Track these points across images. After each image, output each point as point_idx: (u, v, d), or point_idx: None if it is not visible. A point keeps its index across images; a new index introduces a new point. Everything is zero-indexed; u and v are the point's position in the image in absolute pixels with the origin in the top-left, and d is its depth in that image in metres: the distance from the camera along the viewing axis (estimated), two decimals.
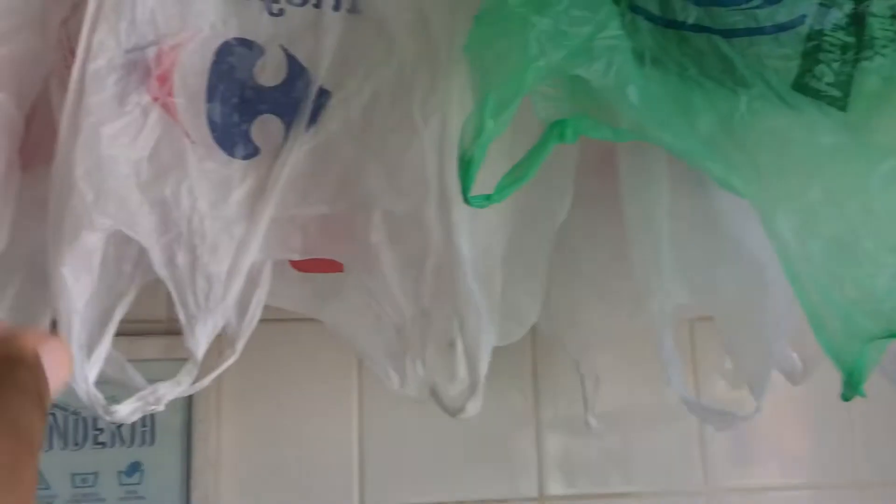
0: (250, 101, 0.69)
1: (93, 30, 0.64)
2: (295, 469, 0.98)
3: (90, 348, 0.63)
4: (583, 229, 0.86)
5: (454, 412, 0.67)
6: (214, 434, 0.95)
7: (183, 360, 0.97)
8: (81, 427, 0.91)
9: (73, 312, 0.62)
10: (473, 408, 0.66)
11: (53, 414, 0.90)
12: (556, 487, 1.08)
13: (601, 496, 1.10)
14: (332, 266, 0.77)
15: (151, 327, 0.96)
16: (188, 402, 0.94)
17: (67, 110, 0.63)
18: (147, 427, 0.92)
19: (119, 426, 0.92)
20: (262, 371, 0.99)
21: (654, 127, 0.65)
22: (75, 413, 0.91)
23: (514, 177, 0.64)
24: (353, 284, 0.78)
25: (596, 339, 0.94)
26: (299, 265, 0.77)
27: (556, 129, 0.64)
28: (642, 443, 1.11)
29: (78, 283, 0.62)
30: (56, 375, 0.25)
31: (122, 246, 0.67)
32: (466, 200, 0.62)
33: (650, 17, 0.69)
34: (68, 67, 0.66)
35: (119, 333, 0.67)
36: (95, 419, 0.91)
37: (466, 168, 0.60)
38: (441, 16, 0.71)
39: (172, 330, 0.98)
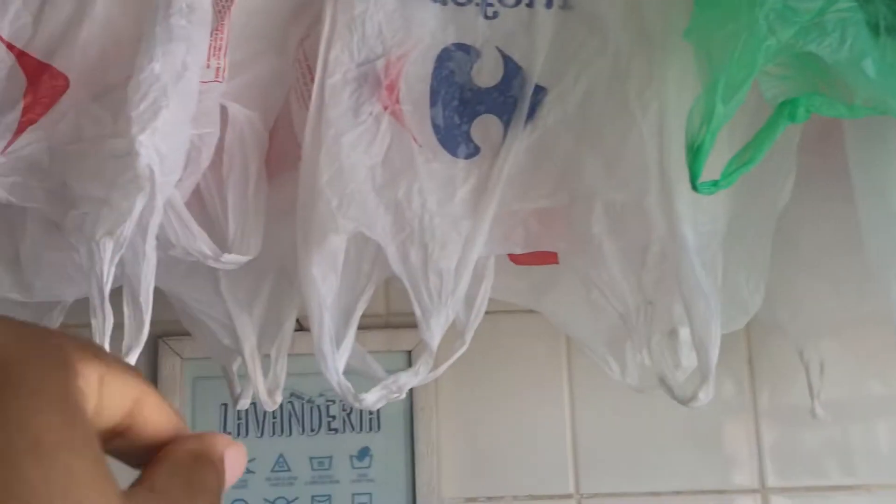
0: (470, 102, 0.72)
1: (328, 48, 0.69)
2: (511, 454, 1.01)
3: (338, 342, 0.68)
4: (804, 210, 0.82)
5: (685, 401, 0.67)
6: (434, 421, 0.99)
7: (401, 351, 1.04)
8: (316, 414, 0.98)
9: (324, 309, 0.67)
10: (706, 396, 0.65)
11: (291, 402, 0.98)
12: (775, 479, 1.05)
13: (823, 489, 1.06)
14: (547, 258, 0.79)
15: (372, 321, 1.02)
16: (409, 391, 0.99)
17: (310, 124, 0.69)
18: (373, 415, 0.98)
19: (349, 413, 0.99)
20: (476, 361, 1.03)
21: (893, 99, 0.62)
22: (310, 401, 0.98)
23: (742, 160, 0.63)
24: (569, 275, 0.79)
25: (820, 324, 0.90)
26: (517, 258, 0.80)
27: (786, 109, 0.62)
28: (867, 434, 1.05)
29: (325, 282, 0.68)
30: (232, 475, 0.27)
31: (361, 246, 0.72)
32: (695, 188, 0.61)
33: None
34: (306, 83, 0.72)
35: None
36: (329, 407, 0.98)
37: (696, 155, 0.60)
38: (654, 3, 0.70)
39: (391, 324, 1.04)
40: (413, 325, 1.03)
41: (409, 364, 1.01)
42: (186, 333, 0.91)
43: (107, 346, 0.58)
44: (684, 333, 0.75)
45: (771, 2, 0.60)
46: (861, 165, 0.76)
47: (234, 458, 0.27)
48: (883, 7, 0.66)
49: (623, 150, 0.69)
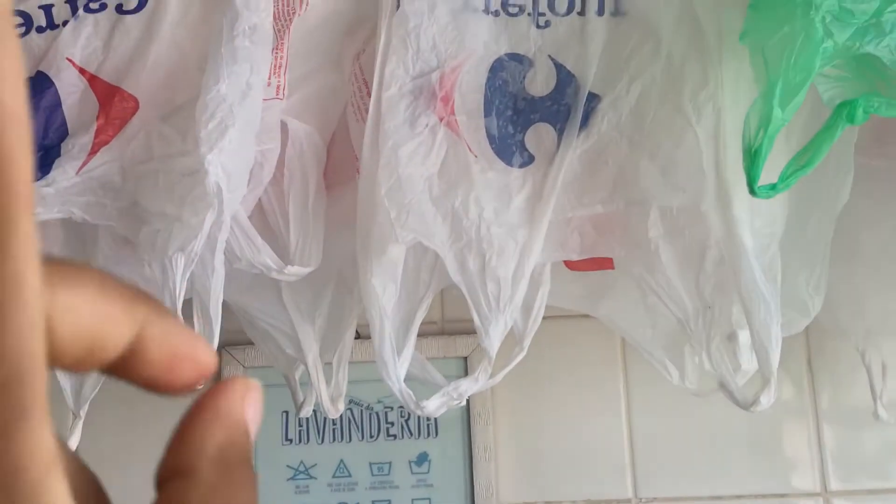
0: (523, 111, 0.73)
1: (384, 62, 0.71)
2: (568, 458, 1.01)
3: (399, 350, 0.70)
4: (863, 210, 0.82)
5: (747, 405, 0.66)
6: (491, 426, 1.00)
7: (457, 358, 1.05)
8: (375, 421, 1.00)
9: (385, 318, 0.68)
10: (767, 400, 0.65)
11: (350, 409, 1.00)
12: (837, 482, 1.03)
13: (886, 491, 1.04)
14: (603, 264, 0.80)
15: (428, 328, 1.04)
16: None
17: (367, 137, 0.70)
18: (431, 421, 1.00)
19: (407, 420, 1.00)
20: (531, 365, 1.03)
21: None
22: (369, 408, 1.00)
23: (800, 163, 0.63)
24: (626, 280, 0.80)
25: (882, 326, 0.89)
26: (572, 264, 0.80)
27: (844, 111, 0.62)
28: None
29: (386, 292, 0.69)
30: (256, 427, 0.26)
31: (419, 256, 0.74)
32: (753, 192, 0.61)
33: None
34: (363, 97, 0.74)
35: None
36: (387, 413, 1.00)
37: (753, 159, 0.60)
38: (707, 7, 0.71)
39: (447, 330, 1.05)
40: (468, 332, 1.05)
41: (465, 370, 1.03)
42: (248, 342, 0.94)
43: None
44: (744, 336, 0.75)
45: (827, 4, 0.60)
46: None
47: (255, 411, 0.27)
48: None
49: (678, 155, 0.69)
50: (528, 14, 0.74)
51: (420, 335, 1.03)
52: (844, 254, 0.83)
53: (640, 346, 0.82)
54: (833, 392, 1.05)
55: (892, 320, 0.89)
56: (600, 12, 0.73)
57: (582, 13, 0.74)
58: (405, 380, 0.71)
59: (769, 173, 0.63)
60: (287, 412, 1.00)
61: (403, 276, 0.72)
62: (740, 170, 0.63)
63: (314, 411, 0.87)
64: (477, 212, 0.70)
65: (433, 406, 0.69)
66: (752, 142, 0.60)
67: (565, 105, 0.72)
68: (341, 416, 0.98)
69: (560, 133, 0.72)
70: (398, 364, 0.69)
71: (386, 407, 1.00)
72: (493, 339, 0.70)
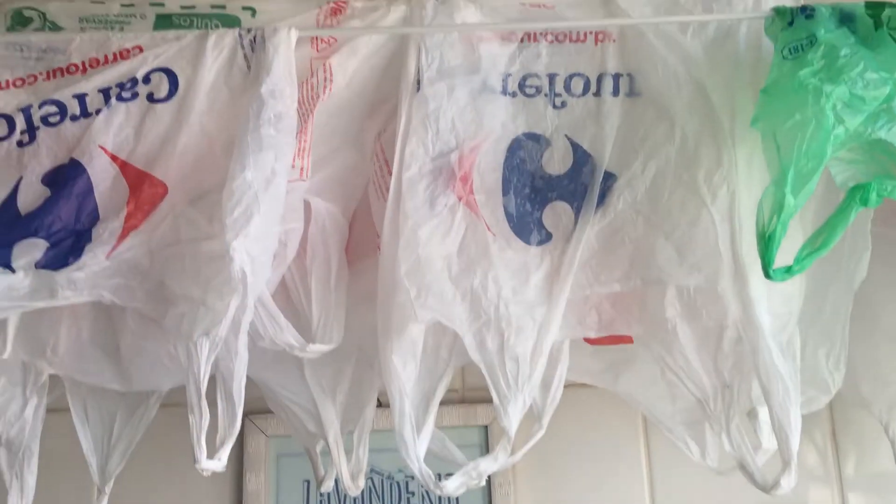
0: (541, 190, 0.74)
1: (405, 143, 0.73)
2: None
3: (419, 428, 0.70)
4: (882, 283, 0.82)
5: (767, 488, 0.66)
6: (512, 497, 1.00)
7: (477, 426, 1.05)
8: (396, 490, 1.00)
9: (404, 396, 0.69)
10: (788, 483, 0.65)
11: (371, 479, 1.00)
12: None
13: None
14: (622, 338, 0.80)
15: (448, 396, 1.03)
16: None
17: (388, 216, 0.72)
18: None
19: (427, 490, 1.00)
20: (553, 436, 1.03)
21: None
22: (390, 477, 1.00)
23: (815, 246, 0.64)
24: (645, 355, 0.80)
25: None
26: (592, 339, 0.80)
27: (857, 194, 0.63)
28: None
29: (406, 369, 0.70)
30: None
31: (439, 334, 0.75)
32: (768, 275, 0.62)
33: None
34: (384, 176, 0.76)
35: None
36: (408, 483, 1.00)
37: (768, 244, 0.61)
38: (721, 89, 0.72)
39: (467, 399, 1.05)
40: (489, 401, 1.04)
41: (486, 439, 1.03)
42: (270, 411, 0.94)
43: (202, 439, 0.61)
44: (764, 413, 0.75)
45: (837, 91, 0.61)
46: None
47: None
48: None
49: (694, 235, 0.70)
50: (545, 95, 0.76)
51: (441, 403, 1.03)
52: (866, 327, 0.83)
53: (661, 421, 0.82)
54: (857, 460, 1.04)
55: None
56: (615, 93, 0.75)
57: (598, 94, 0.75)
58: (425, 455, 0.72)
59: (784, 253, 0.63)
60: (308, 481, 1.00)
61: (423, 353, 0.72)
62: (755, 250, 0.64)
63: (335, 481, 0.87)
64: (495, 290, 0.71)
65: (453, 486, 0.69)
66: (765, 227, 0.61)
67: (582, 184, 0.74)
68: None
69: (577, 211, 0.73)
70: (418, 443, 0.69)
71: (407, 477, 1.00)
72: (513, 417, 0.70)
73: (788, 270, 0.62)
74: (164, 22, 0.76)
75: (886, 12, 0.68)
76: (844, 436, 1.04)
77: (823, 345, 0.76)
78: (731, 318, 0.69)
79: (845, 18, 0.68)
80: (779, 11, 0.69)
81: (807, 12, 0.67)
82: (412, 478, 1.01)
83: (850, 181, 0.64)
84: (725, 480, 0.89)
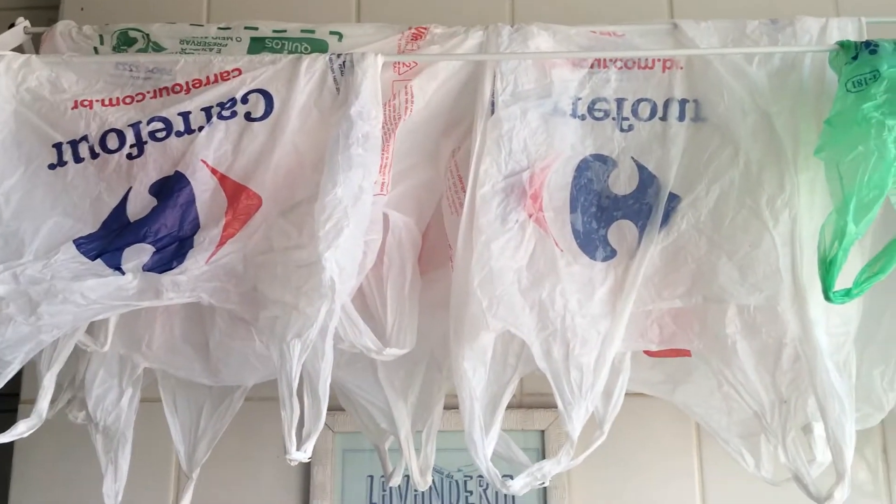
0: (607, 208, 0.78)
1: (479, 162, 0.77)
2: None
3: (487, 430, 0.75)
4: None
5: (821, 500, 0.69)
6: (567, 500, 1.03)
7: (534, 431, 1.09)
8: (455, 489, 1.04)
9: (475, 400, 0.73)
10: (841, 496, 0.68)
11: (432, 477, 1.04)
12: None
13: None
14: (681, 351, 0.83)
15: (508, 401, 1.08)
16: None
17: (462, 230, 0.77)
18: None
19: (485, 489, 1.05)
20: (608, 442, 1.06)
21: None
22: (450, 476, 1.05)
23: (874, 270, 0.67)
24: (703, 367, 0.83)
25: None
26: (652, 352, 0.84)
27: None
28: None
29: (476, 375, 0.74)
30: None
31: (507, 342, 0.79)
32: (828, 298, 0.65)
33: None
34: (457, 191, 0.80)
35: None
36: (466, 482, 1.04)
37: (829, 269, 0.64)
38: (784, 118, 0.75)
39: (525, 404, 1.09)
40: (546, 406, 1.09)
41: (542, 443, 1.07)
42: (338, 408, 0.99)
43: (293, 434, 0.66)
44: (819, 429, 0.78)
45: None
46: None
47: None
48: None
49: (756, 256, 0.73)
50: (613, 118, 0.80)
51: None
52: None
53: (716, 432, 0.85)
54: None
55: None
56: (681, 118, 0.79)
57: (664, 118, 0.79)
58: (491, 456, 0.76)
59: (842, 276, 0.66)
60: (372, 476, 1.05)
61: (492, 360, 0.77)
62: (815, 272, 0.67)
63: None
64: (562, 303, 0.75)
65: (518, 486, 0.73)
66: (827, 252, 0.64)
67: (647, 204, 0.77)
68: None
69: (641, 230, 0.77)
70: (486, 444, 0.73)
71: (466, 476, 1.05)
72: (576, 423, 0.74)
73: (848, 293, 0.65)
74: (258, 45, 0.82)
75: None
76: None
77: (878, 364, 0.79)
78: (790, 337, 0.72)
79: None
80: (844, 45, 0.72)
81: (871, 47, 0.70)
82: (471, 477, 1.05)
83: None
84: (777, 491, 0.91)
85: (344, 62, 0.75)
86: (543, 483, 0.75)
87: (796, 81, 0.75)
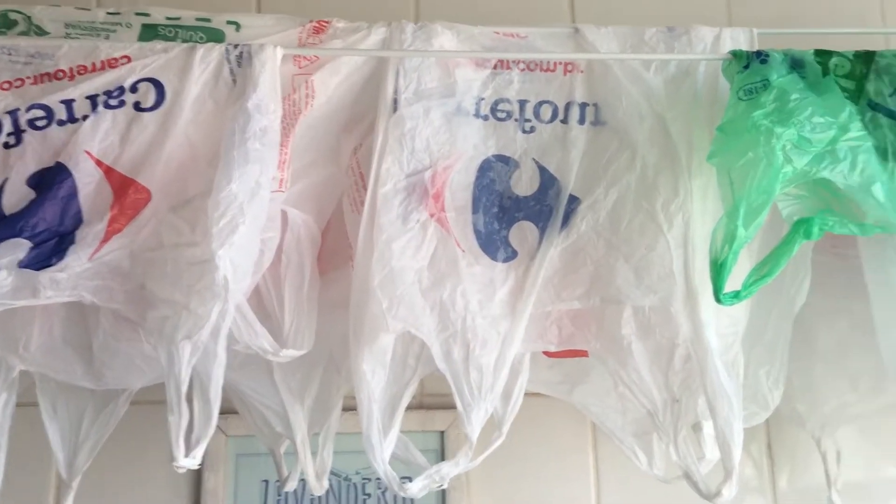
0: (508, 209, 0.78)
1: (381, 160, 0.76)
2: None
3: (385, 432, 0.74)
4: (820, 306, 0.87)
5: (710, 496, 0.71)
6: (466, 500, 1.03)
7: (434, 432, 1.08)
8: (353, 492, 1.03)
9: (373, 402, 0.72)
10: (729, 492, 0.70)
11: (329, 480, 1.02)
12: None
13: None
14: (578, 352, 0.84)
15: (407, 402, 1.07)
16: None
17: (363, 229, 0.75)
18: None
19: (384, 492, 1.03)
20: (505, 442, 1.07)
21: None
22: (347, 479, 1.03)
23: (761, 273, 0.69)
24: (600, 368, 0.84)
25: (837, 416, 0.94)
26: (550, 352, 0.85)
27: (801, 228, 0.68)
28: None
29: (375, 376, 0.73)
30: None
31: (407, 343, 0.78)
32: (718, 300, 0.67)
33: (891, 114, 0.72)
34: (359, 189, 0.79)
35: None
36: (364, 485, 1.03)
37: (719, 272, 0.66)
38: (679, 124, 0.77)
39: (425, 405, 1.08)
40: (446, 407, 1.09)
41: (442, 444, 1.06)
42: (231, 411, 0.96)
43: (181, 440, 0.63)
44: (708, 427, 0.80)
45: (787, 133, 0.66)
46: (874, 266, 0.81)
47: None
48: (891, 134, 0.72)
49: (651, 259, 0.75)
50: (515, 120, 0.80)
51: None
52: (803, 348, 0.89)
53: (611, 431, 0.86)
54: (790, 473, 1.10)
55: (847, 411, 0.94)
56: (581, 122, 0.80)
57: (565, 121, 0.80)
58: (389, 459, 0.75)
59: (732, 279, 0.68)
60: (267, 481, 1.02)
61: (392, 361, 0.76)
62: (706, 275, 0.69)
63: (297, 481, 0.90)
64: (463, 304, 0.75)
65: (416, 488, 0.73)
66: (718, 255, 0.66)
67: (548, 205, 0.78)
68: None
69: (542, 231, 0.77)
70: (384, 446, 0.72)
71: (364, 479, 1.03)
72: (475, 424, 0.74)
73: (737, 295, 0.67)
74: (150, 32, 0.78)
75: (833, 60, 0.74)
76: (779, 450, 1.10)
77: (764, 364, 0.82)
78: (682, 338, 0.74)
79: (796, 64, 0.73)
80: (736, 55, 0.74)
81: (762, 57, 0.73)
82: (369, 479, 1.04)
83: (796, 215, 0.70)
84: (668, 489, 0.94)
85: (241, 53, 0.72)
86: (442, 485, 0.74)
87: (691, 88, 0.77)
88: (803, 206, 0.70)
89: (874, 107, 0.72)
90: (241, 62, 0.72)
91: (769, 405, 0.82)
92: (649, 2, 1.16)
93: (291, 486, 0.88)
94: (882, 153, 0.71)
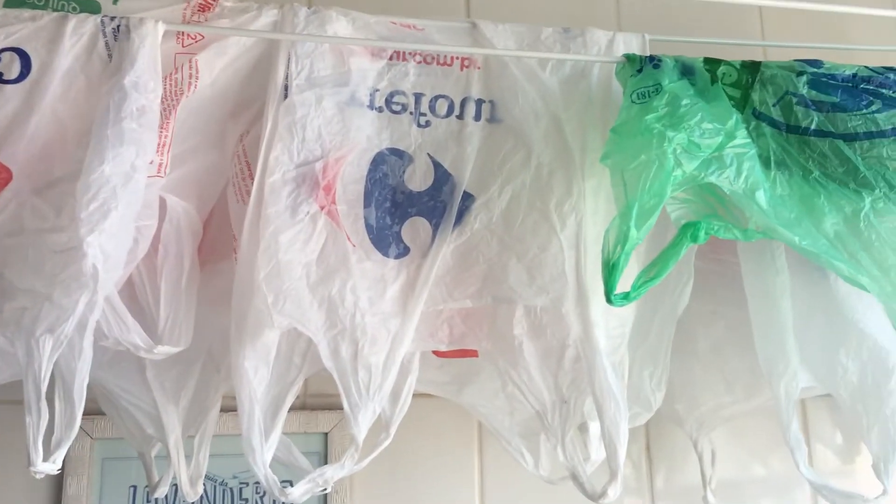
0: (401, 204, 0.76)
1: (269, 148, 0.73)
2: None
3: (266, 434, 0.70)
4: (698, 311, 0.90)
5: (595, 497, 0.71)
6: (348, 502, 1.00)
7: (318, 433, 1.05)
8: (229, 497, 0.98)
9: (254, 402, 0.69)
10: (614, 492, 0.70)
11: (205, 485, 0.97)
12: None
13: None
14: (468, 352, 0.83)
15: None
16: None
17: (248, 220, 0.71)
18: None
19: (262, 496, 0.99)
20: (389, 444, 1.05)
21: (782, 228, 0.70)
22: (223, 484, 0.98)
23: (650, 275, 0.70)
24: (489, 369, 0.84)
25: (713, 417, 0.97)
26: (440, 352, 0.83)
27: (689, 231, 0.69)
28: None
29: (257, 375, 0.69)
30: None
31: (293, 340, 0.75)
32: (609, 301, 0.67)
33: (773, 124, 0.74)
34: (244, 179, 0.75)
35: None
36: (242, 490, 0.98)
37: (611, 272, 0.66)
38: (574, 124, 0.77)
39: (308, 405, 1.05)
40: (330, 408, 1.06)
41: (326, 446, 1.03)
42: (97, 412, 0.90)
43: (39, 443, 0.58)
44: (594, 427, 0.80)
45: (678, 137, 0.67)
46: (753, 272, 0.84)
47: None
48: (773, 143, 0.75)
49: (543, 259, 0.74)
50: (410, 113, 0.78)
51: None
52: (684, 351, 0.91)
53: (498, 432, 0.86)
54: (667, 473, 1.13)
55: (722, 412, 0.97)
56: (477, 118, 0.79)
57: (461, 117, 0.79)
58: (269, 462, 0.71)
59: (620, 281, 0.69)
60: (135, 487, 0.96)
61: (276, 359, 0.72)
62: (597, 275, 0.69)
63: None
64: (352, 300, 0.72)
65: (298, 493, 0.69)
66: (610, 256, 0.66)
67: (441, 202, 0.76)
68: None
69: (435, 228, 0.76)
70: (265, 449, 0.69)
71: (241, 483, 0.99)
72: (362, 425, 0.71)
73: (627, 296, 0.68)
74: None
75: (721, 69, 0.76)
76: (658, 450, 1.12)
77: (648, 366, 0.83)
78: (573, 338, 0.74)
79: (686, 71, 0.75)
80: (630, 59, 0.75)
81: (654, 62, 0.74)
82: (247, 484, 0.99)
83: (683, 219, 0.71)
84: (552, 490, 0.94)
85: (119, 26, 0.67)
86: (325, 489, 0.71)
87: (585, 89, 0.78)
88: (690, 210, 0.72)
89: (758, 116, 0.74)
90: (118, 36, 0.67)
91: (652, 406, 0.83)
92: (542, 1, 1.17)
93: (162, 491, 0.82)
94: (765, 161, 0.73)
